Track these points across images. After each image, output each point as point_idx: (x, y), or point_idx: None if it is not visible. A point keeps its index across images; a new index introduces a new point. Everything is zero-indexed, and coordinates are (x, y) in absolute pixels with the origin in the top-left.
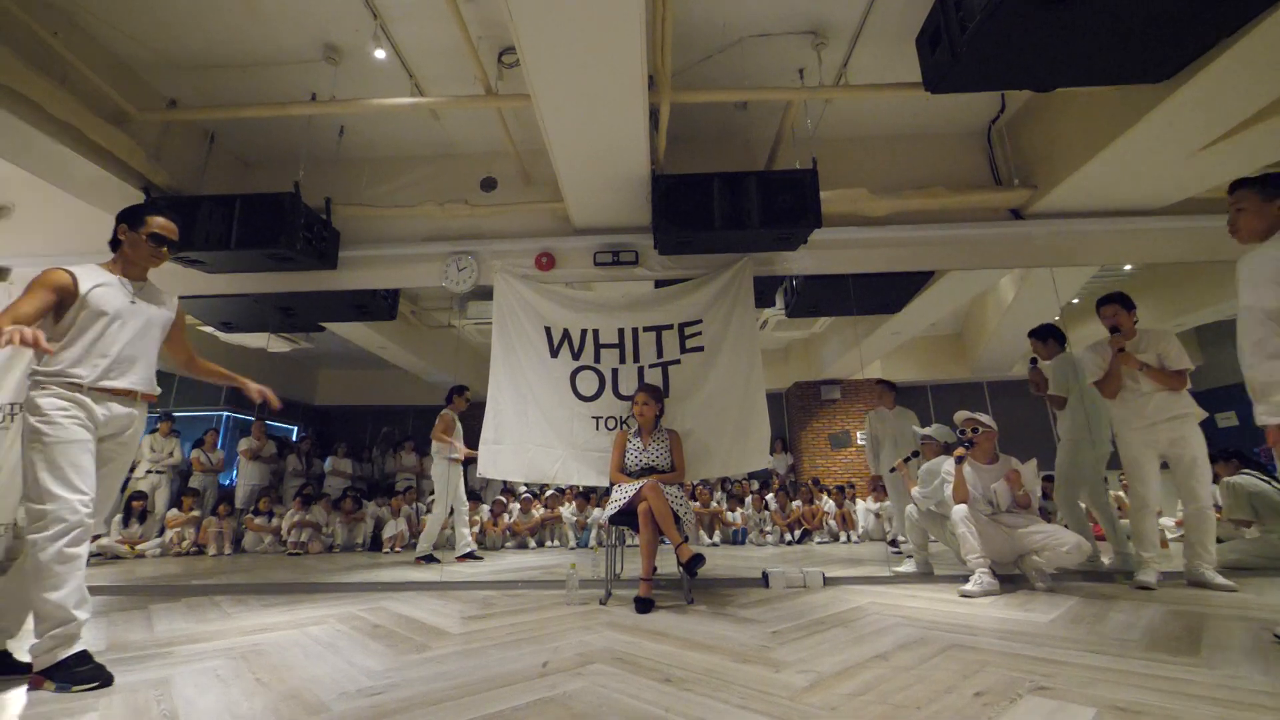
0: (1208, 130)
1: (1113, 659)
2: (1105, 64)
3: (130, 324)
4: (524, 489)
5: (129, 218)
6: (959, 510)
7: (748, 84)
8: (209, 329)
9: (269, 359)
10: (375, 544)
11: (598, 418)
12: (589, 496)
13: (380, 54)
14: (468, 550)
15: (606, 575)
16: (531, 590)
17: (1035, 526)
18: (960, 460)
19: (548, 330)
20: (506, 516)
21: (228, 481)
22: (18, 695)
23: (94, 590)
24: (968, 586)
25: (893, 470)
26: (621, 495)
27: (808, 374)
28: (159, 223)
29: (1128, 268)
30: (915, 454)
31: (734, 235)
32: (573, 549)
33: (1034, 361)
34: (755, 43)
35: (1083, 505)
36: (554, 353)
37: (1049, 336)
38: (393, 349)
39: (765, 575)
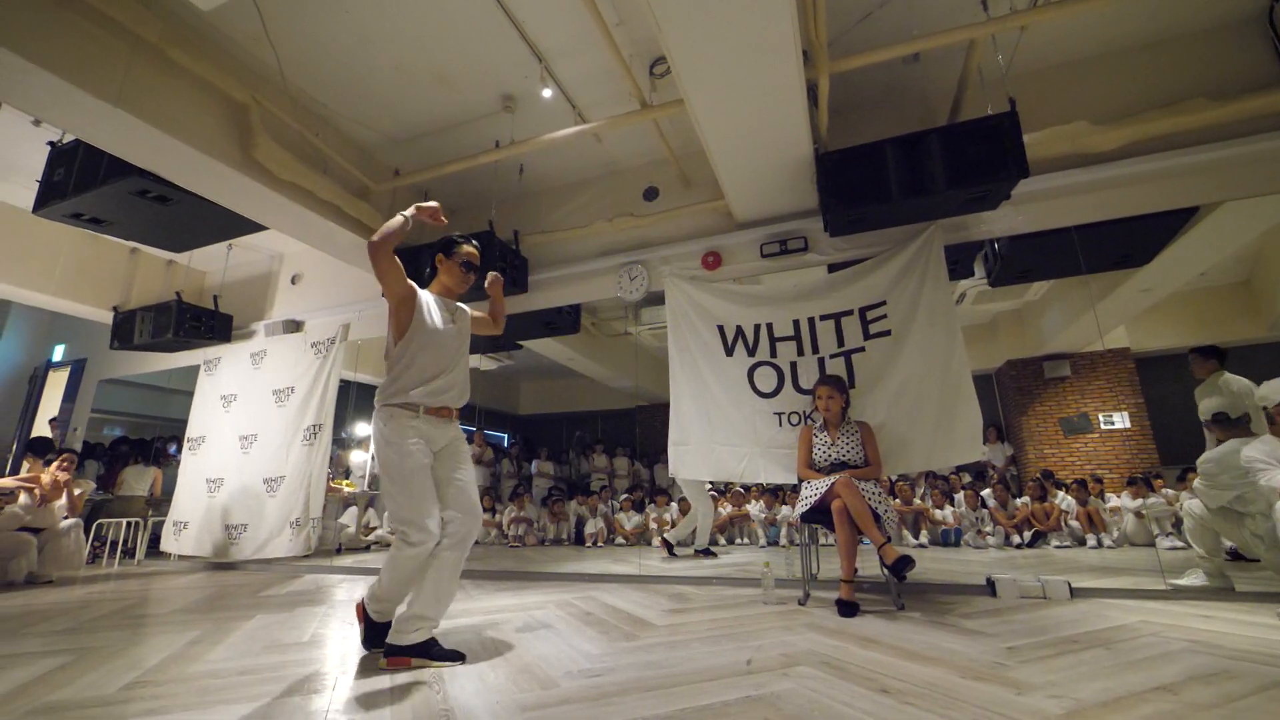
0: None
1: None
2: None
3: (450, 344)
4: (709, 486)
5: (444, 248)
6: None
7: (918, 33)
8: None
9: (481, 376)
10: (578, 538)
11: (779, 414)
12: (777, 493)
13: (547, 93)
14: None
15: (803, 575)
16: (726, 587)
17: None
18: None
19: (720, 329)
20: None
21: None
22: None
23: (374, 572)
24: None
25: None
26: (812, 492)
27: (1023, 349)
28: (467, 250)
29: None
30: None
31: (916, 204)
32: (762, 547)
33: None
34: None
35: None
36: (729, 351)
37: None
38: (579, 360)
39: (991, 582)
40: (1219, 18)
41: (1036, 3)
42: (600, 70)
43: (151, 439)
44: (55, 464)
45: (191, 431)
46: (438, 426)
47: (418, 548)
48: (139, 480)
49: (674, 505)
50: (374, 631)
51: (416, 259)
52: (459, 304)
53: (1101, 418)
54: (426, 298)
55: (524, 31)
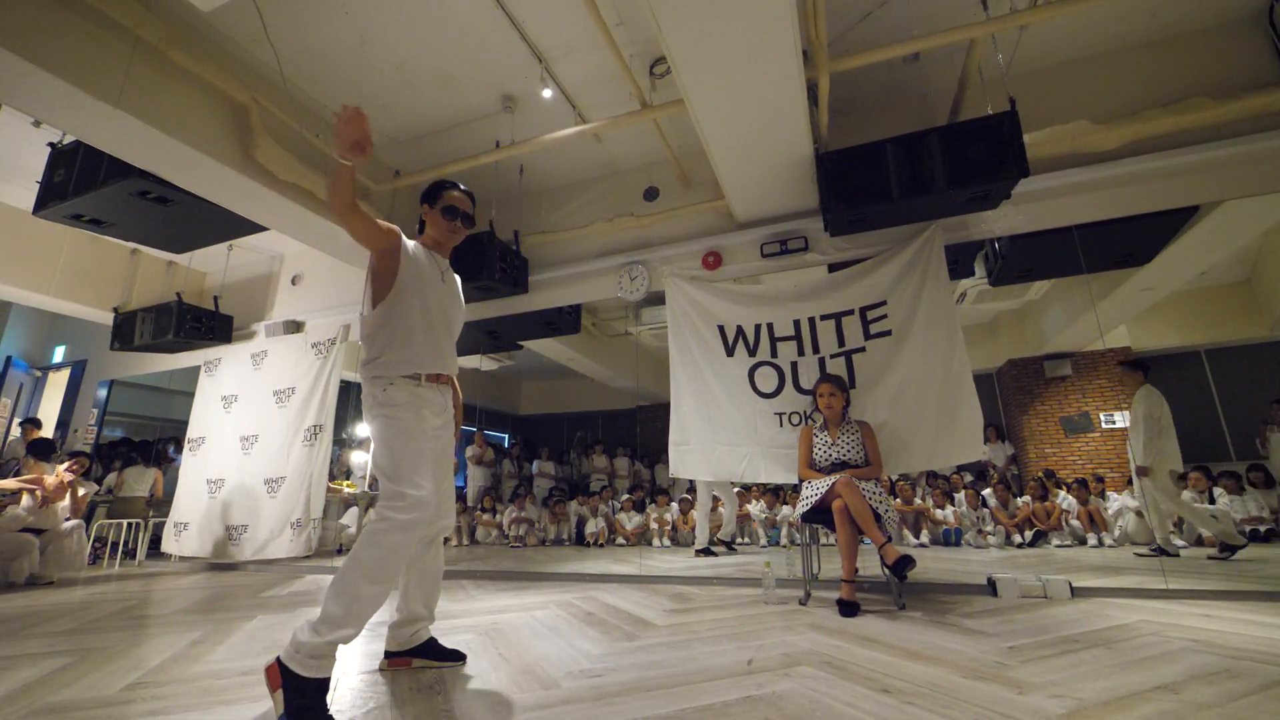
0: None
1: None
2: None
3: (444, 302)
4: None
5: (428, 195)
6: None
7: (918, 32)
8: None
9: (482, 377)
10: (579, 539)
11: (780, 414)
12: (777, 493)
13: (547, 93)
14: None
15: (804, 575)
16: (728, 588)
17: None
18: None
19: (721, 329)
20: (695, 514)
21: (460, 483)
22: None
23: None
24: None
25: None
26: (813, 492)
27: (1024, 349)
28: (453, 196)
29: None
30: None
31: (916, 203)
32: (763, 547)
33: None
34: None
35: None
36: (730, 351)
37: None
38: (579, 360)
39: (992, 581)
40: (1219, 17)
41: (1036, 2)
42: (600, 70)
43: (153, 440)
44: (65, 465)
45: (192, 432)
46: (441, 393)
47: (411, 527)
48: (139, 481)
49: (674, 505)
50: (309, 694)
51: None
52: (449, 266)
53: (1103, 417)
54: (414, 246)
55: (524, 32)
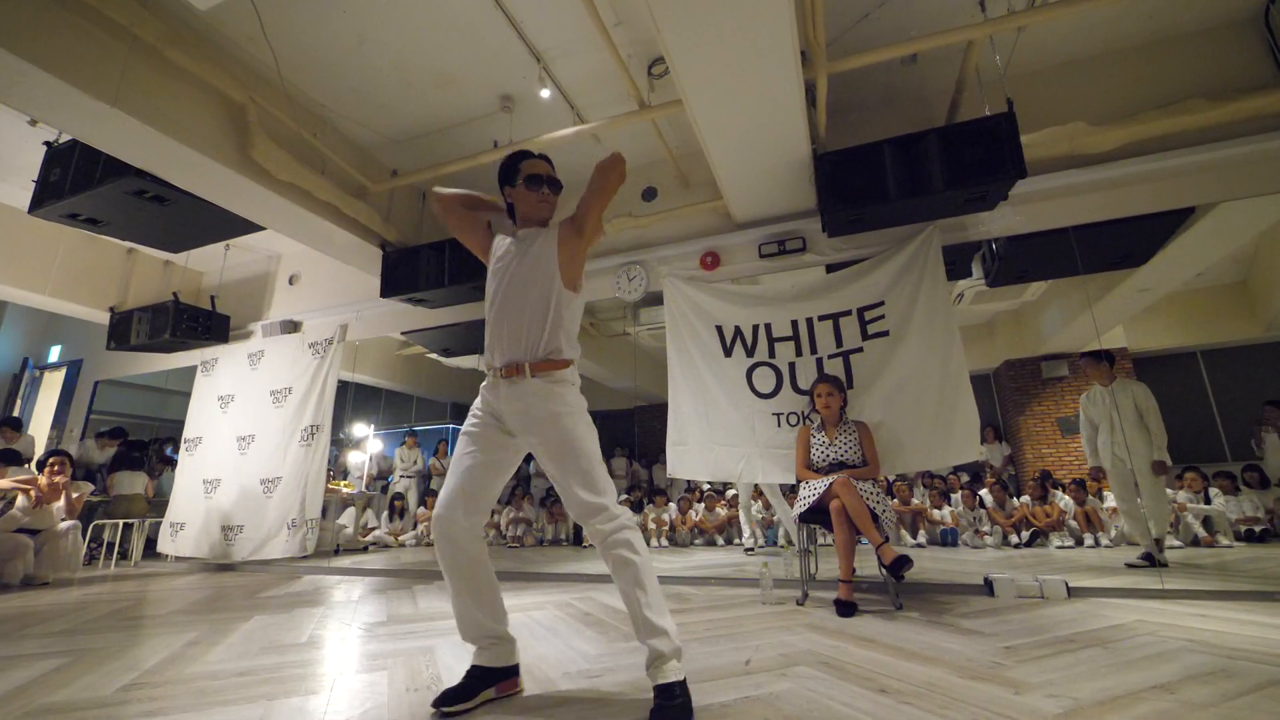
0: None
1: None
2: None
3: (503, 279)
4: (707, 486)
5: (505, 175)
6: None
7: (916, 34)
8: (434, 355)
9: (482, 377)
10: (577, 539)
11: (778, 414)
12: None
13: (545, 93)
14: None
15: (801, 576)
16: (724, 588)
17: None
18: None
19: (719, 330)
20: (693, 514)
21: None
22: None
23: (372, 573)
24: None
25: None
26: (810, 492)
27: (1021, 350)
28: (533, 164)
29: None
30: None
31: (914, 204)
32: (762, 547)
33: None
34: None
35: None
36: (727, 352)
37: None
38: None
39: (989, 582)
40: (1215, 19)
41: (1034, 3)
42: (599, 70)
43: (149, 440)
44: (47, 467)
45: (189, 432)
46: (496, 389)
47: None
48: (132, 483)
49: (672, 506)
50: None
51: (414, 259)
52: (539, 230)
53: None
54: (500, 240)
55: (522, 32)
